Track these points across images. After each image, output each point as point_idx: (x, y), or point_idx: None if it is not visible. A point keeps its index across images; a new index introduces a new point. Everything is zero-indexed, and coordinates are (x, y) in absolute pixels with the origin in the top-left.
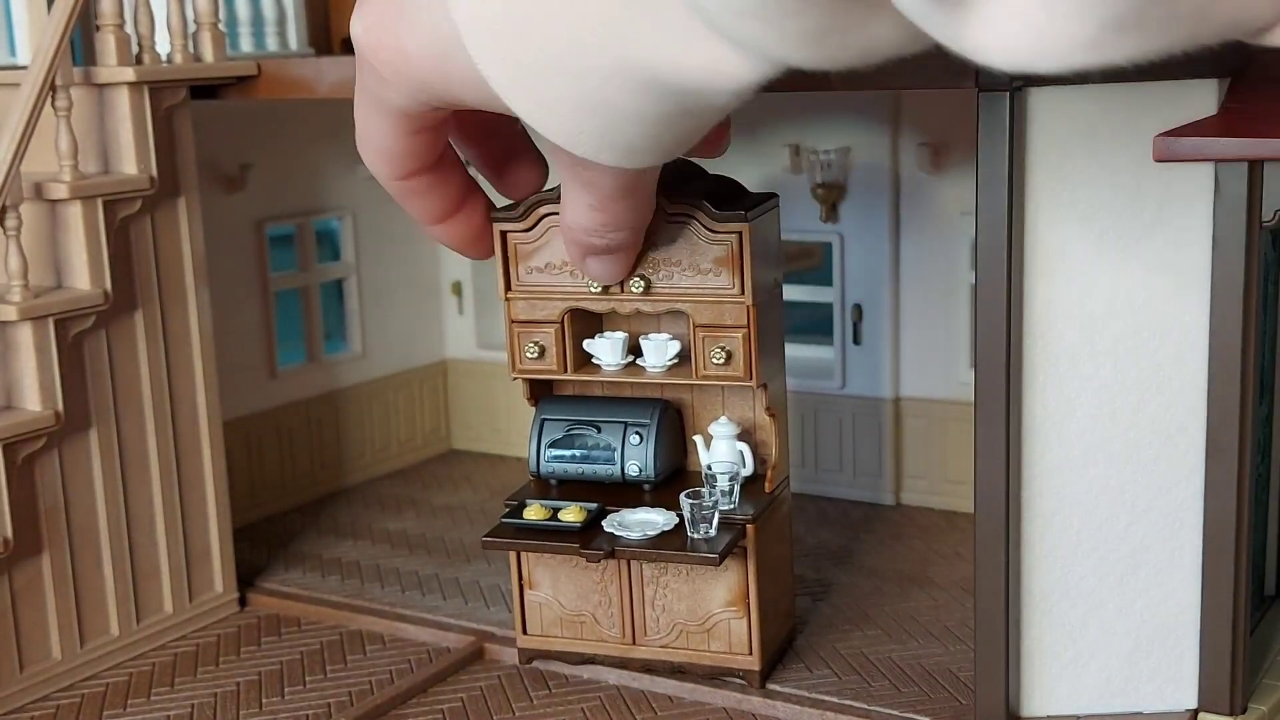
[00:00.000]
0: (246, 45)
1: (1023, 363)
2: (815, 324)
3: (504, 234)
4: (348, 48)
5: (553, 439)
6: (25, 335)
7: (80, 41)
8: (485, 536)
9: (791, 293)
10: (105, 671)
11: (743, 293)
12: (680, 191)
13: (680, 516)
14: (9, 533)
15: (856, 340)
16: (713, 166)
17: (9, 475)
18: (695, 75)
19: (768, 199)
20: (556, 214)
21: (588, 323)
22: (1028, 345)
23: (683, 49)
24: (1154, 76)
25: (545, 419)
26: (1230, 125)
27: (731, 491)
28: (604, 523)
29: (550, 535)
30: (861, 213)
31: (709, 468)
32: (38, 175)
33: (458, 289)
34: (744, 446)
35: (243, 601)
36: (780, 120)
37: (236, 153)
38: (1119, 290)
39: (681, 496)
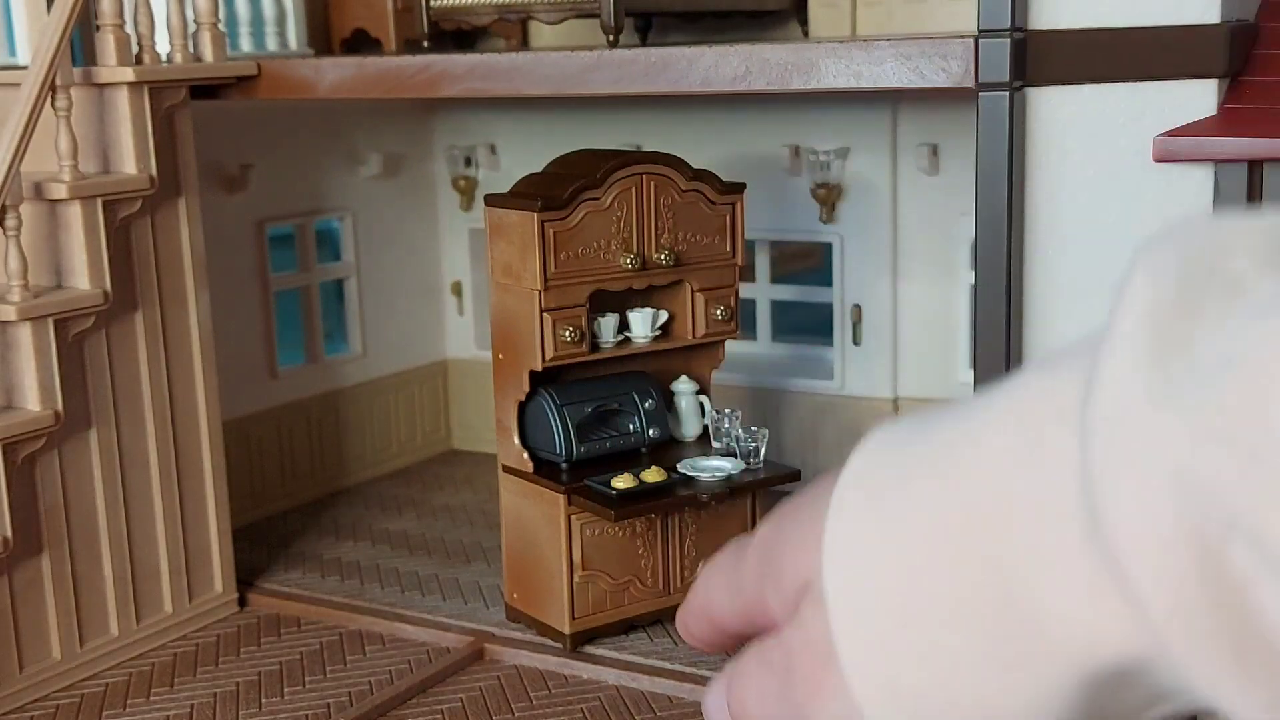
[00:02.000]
0: (246, 45)
1: (1022, 362)
2: (815, 324)
3: (543, 224)
4: (347, 48)
5: (578, 422)
6: (25, 335)
7: (80, 41)
8: (616, 510)
9: (791, 293)
10: (105, 671)
11: (734, 255)
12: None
13: (738, 458)
14: (9, 532)
15: (856, 340)
16: (712, 165)
17: (9, 475)
18: None
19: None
20: (594, 199)
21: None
22: (1027, 345)
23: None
24: (1154, 76)
25: (563, 405)
26: (1230, 125)
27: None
28: (680, 467)
29: (657, 495)
30: (861, 213)
31: (717, 413)
32: (38, 175)
33: (458, 289)
34: (704, 399)
35: (242, 601)
36: (780, 120)
37: (236, 153)
38: None
39: (749, 430)
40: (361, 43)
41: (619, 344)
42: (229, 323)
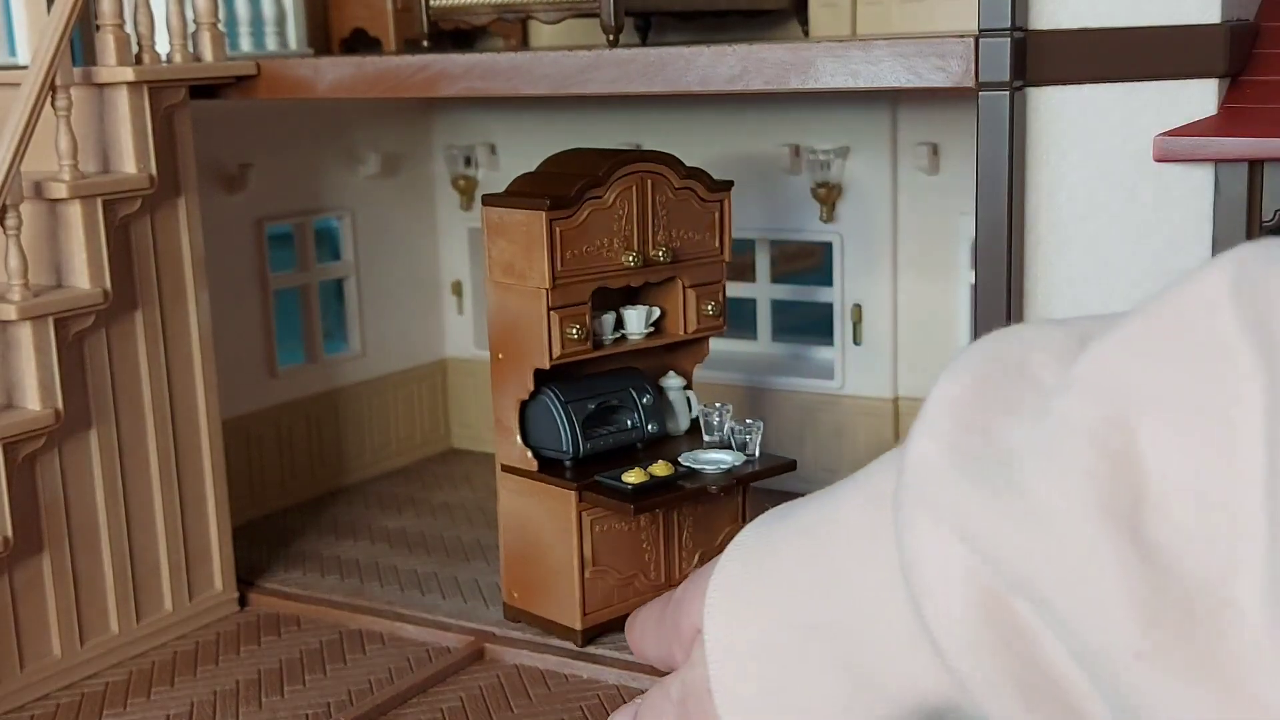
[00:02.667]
0: (246, 45)
1: None
2: (815, 324)
3: (552, 222)
4: (347, 47)
5: (583, 419)
6: (25, 334)
7: (80, 41)
8: (635, 504)
9: (791, 293)
10: (105, 670)
11: (722, 251)
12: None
13: (735, 450)
14: (9, 531)
15: (856, 340)
16: (712, 164)
17: (9, 474)
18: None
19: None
20: (598, 197)
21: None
22: None
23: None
24: (1154, 76)
25: (567, 402)
26: (1230, 125)
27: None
28: (681, 460)
29: (667, 488)
30: (861, 213)
31: (708, 407)
32: (38, 175)
33: (458, 289)
34: (690, 393)
35: (243, 600)
36: (780, 120)
37: (236, 152)
38: (1119, 289)
39: (743, 423)
40: (361, 42)
41: (615, 341)
42: (229, 322)
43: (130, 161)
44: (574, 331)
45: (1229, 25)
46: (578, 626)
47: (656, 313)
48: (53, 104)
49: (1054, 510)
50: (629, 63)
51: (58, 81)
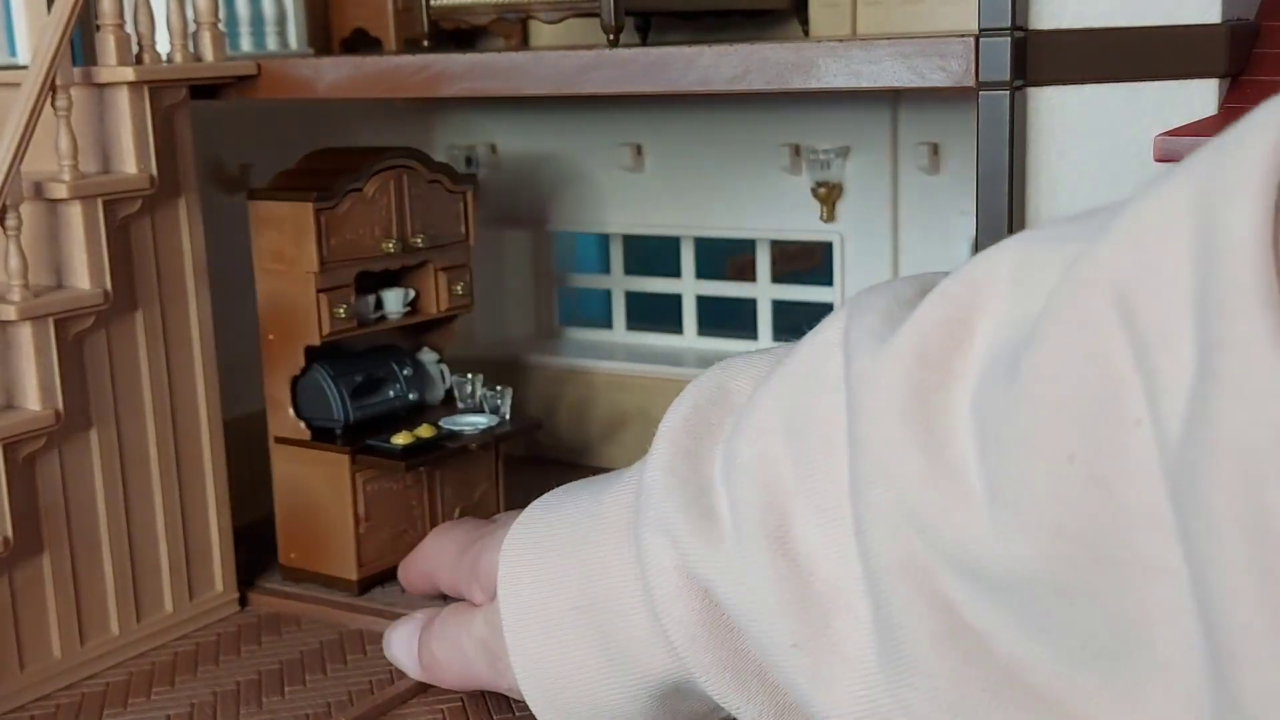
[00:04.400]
0: (246, 45)
1: None
2: (816, 324)
3: (318, 213)
4: (347, 47)
5: (351, 390)
6: (25, 335)
7: (80, 41)
8: (406, 461)
9: (791, 293)
10: (106, 670)
11: (469, 238)
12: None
13: (487, 414)
14: (9, 532)
15: None
16: (712, 164)
17: (9, 475)
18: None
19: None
20: (358, 189)
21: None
22: None
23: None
24: (1155, 76)
25: (336, 376)
26: (1230, 125)
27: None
28: (442, 423)
29: (433, 448)
30: (861, 213)
31: (460, 377)
32: (38, 175)
33: None
34: (444, 366)
35: (243, 601)
36: (780, 120)
37: (237, 153)
38: None
39: (494, 389)
40: (361, 42)
41: (377, 320)
42: (229, 322)
43: (131, 162)
44: (341, 311)
45: (1229, 25)
46: (354, 577)
47: (412, 294)
48: (53, 104)
49: (731, 532)
50: (631, 62)
51: (58, 81)
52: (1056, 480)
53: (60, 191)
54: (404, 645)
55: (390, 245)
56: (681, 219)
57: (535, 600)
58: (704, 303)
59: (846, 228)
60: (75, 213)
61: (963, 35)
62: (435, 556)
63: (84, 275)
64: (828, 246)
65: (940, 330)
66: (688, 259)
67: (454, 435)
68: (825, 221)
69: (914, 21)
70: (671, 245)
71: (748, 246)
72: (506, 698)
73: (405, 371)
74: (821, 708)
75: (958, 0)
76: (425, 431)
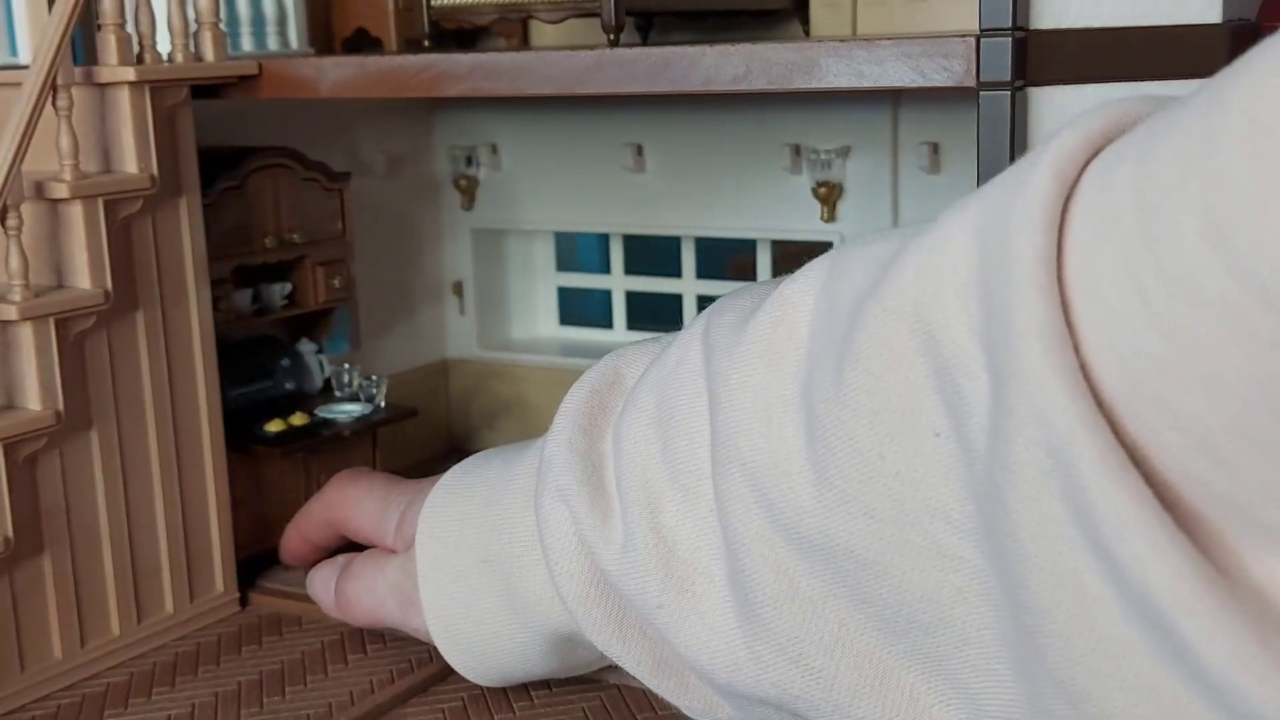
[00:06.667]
0: (247, 45)
1: None
2: None
3: (207, 207)
4: (348, 47)
5: (230, 380)
6: (26, 335)
7: (81, 41)
8: (279, 449)
9: None
10: (106, 671)
11: (345, 234)
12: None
13: (365, 403)
14: (10, 532)
15: None
16: (712, 164)
17: (9, 475)
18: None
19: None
20: (236, 186)
21: None
22: None
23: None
24: (1155, 76)
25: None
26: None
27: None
28: (317, 411)
29: (307, 435)
30: (861, 213)
31: (336, 368)
32: (38, 174)
33: (458, 289)
34: (322, 357)
35: (244, 601)
36: (780, 120)
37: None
38: None
39: (369, 379)
40: (362, 42)
41: (255, 313)
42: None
43: (131, 161)
44: (219, 305)
45: (1230, 25)
46: (234, 556)
47: (289, 287)
48: (54, 104)
49: (616, 506)
50: (633, 63)
51: (59, 81)
52: (870, 473)
53: (61, 191)
54: (324, 583)
55: (268, 241)
56: (682, 219)
57: (448, 551)
58: (705, 303)
59: (847, 228)
60: (76, 212)
61: (964, 35)
62: (347, 505)
63: (85, 275)
64: (828, 246)
65: (778, 331)
66: (688, 259)
67: (328, 423)
68: (826, 221)
69: (915, 21)
70: (672, 245)
71: (748, 246)
72: (508, 697)
73: (284, 362)
74: (689, 657)
75: (959, 0)
76: (299, 419)
